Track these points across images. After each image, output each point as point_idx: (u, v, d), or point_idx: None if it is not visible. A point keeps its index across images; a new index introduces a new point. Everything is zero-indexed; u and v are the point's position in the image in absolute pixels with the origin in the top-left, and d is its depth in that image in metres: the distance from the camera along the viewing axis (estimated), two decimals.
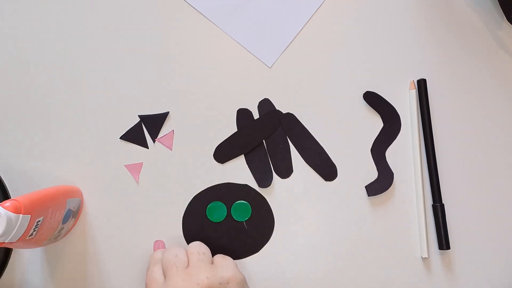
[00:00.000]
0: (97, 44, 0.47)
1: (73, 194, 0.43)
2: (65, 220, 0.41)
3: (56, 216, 0.38)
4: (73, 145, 0.46)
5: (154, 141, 0.46)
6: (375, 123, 0.48)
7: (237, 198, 0.46)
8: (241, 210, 0.45)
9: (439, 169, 0.47)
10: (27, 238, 0.34)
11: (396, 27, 0.49)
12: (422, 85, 0.47)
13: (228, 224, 0.45)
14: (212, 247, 0.45)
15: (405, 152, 0.47)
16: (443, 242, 0.46)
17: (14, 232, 0.32)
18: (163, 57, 0.47)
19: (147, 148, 0.46)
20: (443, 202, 0.46)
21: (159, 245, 0.45)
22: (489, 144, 0.48)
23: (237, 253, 0.45)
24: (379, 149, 0.47)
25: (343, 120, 0.47)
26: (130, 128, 0.46)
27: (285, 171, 0.47)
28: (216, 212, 0.45)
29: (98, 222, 0.45)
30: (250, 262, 0.46)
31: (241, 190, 0.46)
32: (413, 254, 0.46)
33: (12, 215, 0.32)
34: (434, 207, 0.46)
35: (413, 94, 0.47)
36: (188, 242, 0.45)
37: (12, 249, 0.44)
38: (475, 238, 0.47)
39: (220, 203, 0.45)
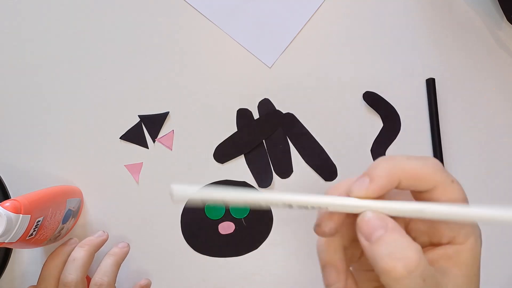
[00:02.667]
0: (97, 44, 0.46)
1: (73, 194, 0.43)
2: (65, 220, 0.41)
3: (56, 216, 0.38)
4: (73, 145, 0.46)
5: (154, 141, 0.46)
6: (375, 123, 0.48)
7: None
8: (240, 207, 0.46)
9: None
10: (27, 238, 0.34)
11: (396, 27, 0.49)
12: (431, 84, 0.47)
13: (227, 221, 0.46)
14: (210, 244, 0.45)
15: (405, 152, 0.47)
16: None
17: (14, 232, 0.32)
18: (163, 57, 0.47)
19: (147, 148, 0.46)
20: None
21: None
22: (490, 144, 0.48)
23: (236, 250, 0.45)
24: (379, 149, 0.47)
25: (343, 120, 0.47)
26: (130, 128, 0.46)
27: (285, 171, 0.47)
28: (215, 209, 0.45)
29: (98, 222, 0.45)
30: (249, 259, 0.46)
31: (239, 187, 0.46)
32: None
33: (12, 215, 0.32)
34: None
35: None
36: (187, 239, 0.45)
37: (12, 249, 0.44)
38: None
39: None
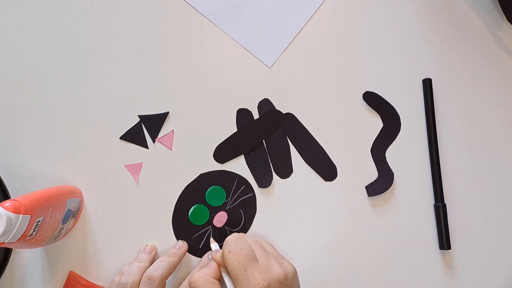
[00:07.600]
0: (97, 44, 0.47)
1: (73, 194, 0.43)
2: (65, 220, 0.41)
3: (56, 216, 0.38)
4: (73, 145, 0.46)
5: (154, 141, 0.46)
6: (375, 123, 0.48)
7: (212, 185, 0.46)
8: (216, 196, 0.46)
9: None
10: (27, 238, 0.34)
11: (396, 27, 0.49)
12: (427, 85, 0.47)
13: (218, 212, 0.46)
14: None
15: (405, 152, 0.47)
16: (444, 242, 0.46)
17: (14, 232, 0.32)
18: (163, 57, 0.47)
19: (147, 148, 0.46)
20: (444, 202, 0.46)
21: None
22: (486, 143, 0.48)
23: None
24: (379, 149, 0.47)
25: (343, 120, 0.47)
26: (130, 128, 0.46)
27: (285, 171, 0.47)
28: (198, 215, 0.45)
29: (98, 222, 0.45)
30: None
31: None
32: (413, 254, 0.46)
33: (12, 215, 0.32)
34: (436, 207, 0.46)
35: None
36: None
37: (12, 249, 0.44)
38: (475, 238, 0.47)
39: (200, 206, 0.46)
